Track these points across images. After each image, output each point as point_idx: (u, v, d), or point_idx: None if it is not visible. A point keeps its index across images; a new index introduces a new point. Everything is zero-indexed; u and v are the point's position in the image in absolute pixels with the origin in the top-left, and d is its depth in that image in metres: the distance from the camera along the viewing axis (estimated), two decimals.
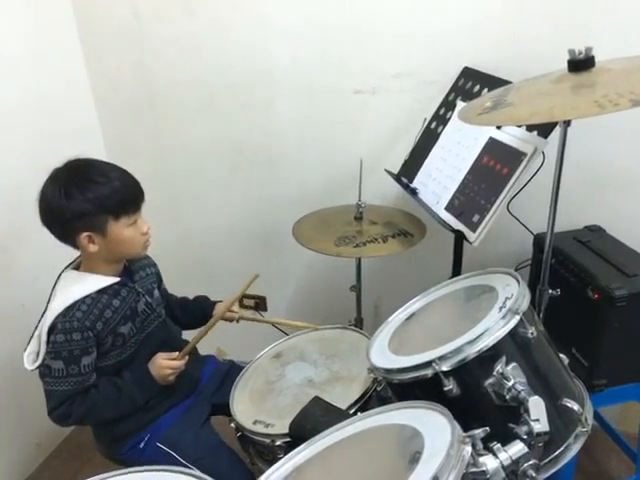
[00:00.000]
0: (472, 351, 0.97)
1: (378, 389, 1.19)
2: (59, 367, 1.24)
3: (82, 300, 1.26)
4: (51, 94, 1.89)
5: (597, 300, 1.39)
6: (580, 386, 1.14)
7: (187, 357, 1.39)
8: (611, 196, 1.74)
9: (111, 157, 2.04)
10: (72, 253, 1.32)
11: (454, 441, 0.75)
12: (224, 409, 1.39)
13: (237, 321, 1.55)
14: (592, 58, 1.06)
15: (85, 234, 1.23)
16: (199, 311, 1.57)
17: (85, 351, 1.25)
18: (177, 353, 1.38)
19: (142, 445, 1.38)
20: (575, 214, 1.70)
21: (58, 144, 1.87)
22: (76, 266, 1.35)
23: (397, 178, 1.74)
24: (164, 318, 1.45)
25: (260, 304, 2.22)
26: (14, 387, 1.84)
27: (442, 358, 0.99)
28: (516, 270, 1.29)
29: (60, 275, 1.34)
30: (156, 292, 1.45)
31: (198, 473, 0.94)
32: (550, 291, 1.33)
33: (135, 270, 1.41)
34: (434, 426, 0.84)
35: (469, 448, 0.76)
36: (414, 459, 0.77)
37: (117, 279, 1.32)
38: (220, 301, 1.57)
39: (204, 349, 1.60)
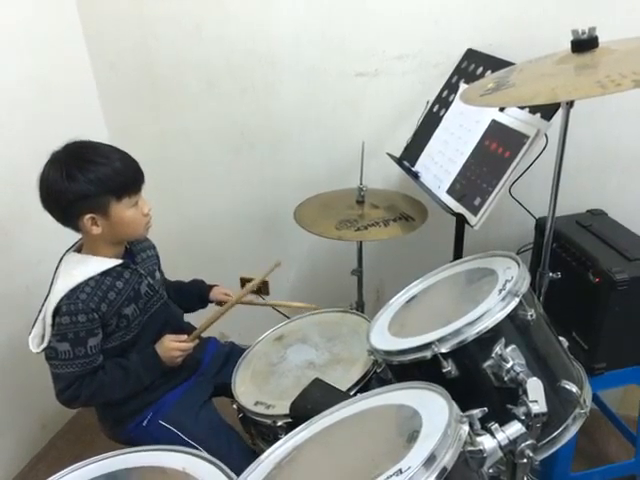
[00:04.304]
0: (471, 333, 0.98)
1: (378, 371, 1.20)
2: (65, 349, 1.25)
3: (86, 282, 1.26)
4: (52, 76, 1.89)
5: (598, 284, 1.39)
6: (579, 368, 1.15)
7: (197, 340, 1.40)
8: (614, 180, 1.73)
9: (113, 139, 2.04)
10: (75, 234, 1.32)
11: (451, 420, 0.76)
12: (226, 390, 1.41)
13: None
14: (595, 38, 1.05)
15: (88, 216, 1.24)
16: (195, 294, 1.58)
17: (91, 332, 1.26)
18: (185, 336, 1.39)
19: (145, 423, 1.40)
20: (578, 198, 1.70)
21: (60, 127, 1.87)
22: (77, 249, 1.36)
23: (399, 162, 1.74)
24: (166, 299, 1.46)
25: (262, 288, 2.23)
26: (19, 369, 1.86)
27: (441, 340, 1.00)
28: (518, 254, 1.30)
29: (62, 258, 1.34)
30: (157, 274, 1.46)
31: (200, 452, 0.96)
32: (550, 274, 1.33)
33: (136, 252, 1.42)
34: (432, 406, 0.84)
35: (466, 427, 0.77)
36: (412, 438, 0.78)
37: (120, 261, 1.33)
38: (216, 285, 1.58)
39: (206, 332, 1.61)
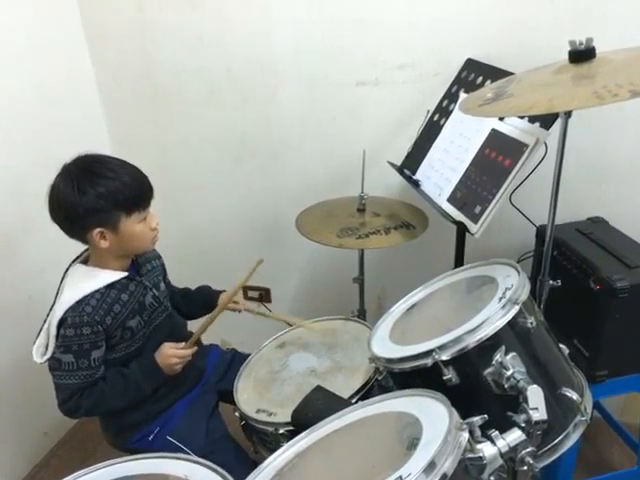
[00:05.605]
0: (472, 341, 0.98)
1: (379, 378, 1.20)
2: (69, 361, 1.25)
3: (91, 295, 1.27)
4: (55, 86, 1.90)
5: (599, 291, 1.39)
6: (580, 376, 1.15)
7: (195, 347, 1.40)
8: (614, 188, 1.74)
9: (115, 149, 2.06)
10: (78, 244, 1.33)
11: (451, 428, 0.77)
12: (228, 397, 1.41)
13: (239, 311, 1.56)
14: (593, 49, 1.06)
15: (97, 230, 1.24)
16: (202, 300, 1.58)
17: (95, 345, 1.27)
18: (184, 343, 1.39)
19: (151, 437, 1.40)
20: (578, 206, 1.71)
21: (62, 136, 1.89)
22: (84, 260, 1.36)
23: (400, 170, 1.75)
24: (170, 310, 1.46)
25: (264, 296, 2.24)
26: (21, 377, 1.86)
27: (442, 347, 1.00)
28: (519, 262, 1.30)
29: (68, 269, 1.35)
30: (162, 285, 1.47)
31: (203, 460, 0.96)
32: (550, 282, 1.33)
33: (142, 263, 1.42)
34: (432, 413, 0.85)
35: (466, 434, 0.77)
36: (412, 445, 0.78)
37: (125, 274, 1.33)
38: (224, 290, 1.58)
39: (207, 339, 1.62)
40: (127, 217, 1.26)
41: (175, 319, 1.48)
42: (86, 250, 1.37)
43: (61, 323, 1.25)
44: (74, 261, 1.37)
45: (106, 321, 1.27)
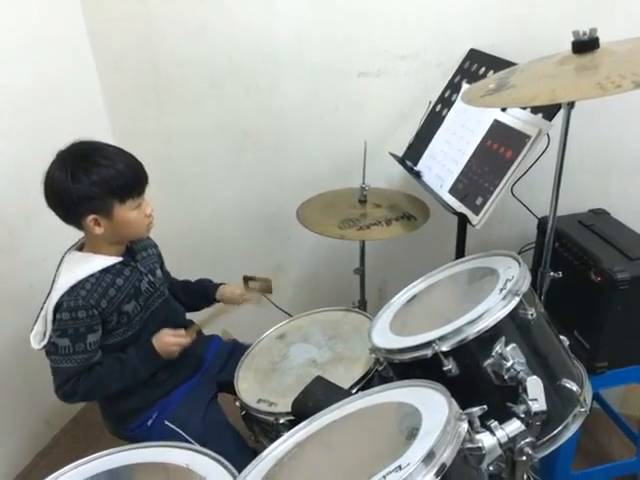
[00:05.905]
0: (472, 332, 0.99)
1: (380, 369, 1.20)
2: (65, 344, 1.27)
3: (86, 279, 1.28)
4: (56, 76, 1.90)
5: (600, 283, 1.39)
6: (580, 367, 1.15)
7: (194, 335, 1.41)
8: (617, 180, 1.73)
9: (117, 139, 2.06)
10: (79, 233, 1.34)
11: (451, 418, 0.77)
12: (229, 387, 1.42)
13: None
14: (596, 39, 1.06)
15: (91, 217, 1.25)
16: (201, 292, 1.59)
17: (90, 329, 1.28)
18: (183, 330, 1.40)
19: (150, 423, 1.41)
20: (580, 197, 1.70)
21: (64, 126, 1.88)
22: (79, 247, 1.37)
23: (401, 161, 1.74)
24: (167, 296, 1.47)
25: (265, 286, 2.24)
26: (23, 365, 1.87)
27: (442, 338, 1.00)
28: (520, 253, 1.30)
29: (64, 256, 1.36)
30: (158, 271, 1.48)
31: (203, 449, 0.97)
32: (551, 273, 1.33)
33: (137, 250, 1.43)
34: (432, 404, 0.85)
35: (465, 425, 0.78)
36: (412, 435, 0.78)
37: (120, 259, 1.34)
38: (223, 283, 1.59)
39: (209, 329, 1.62)
40: (121, 204, 1.26)
41: (172, 305, 1.49)
42: (82, 238, 1.38)
43: (57, 308, 1.27)
44: (70, 248, 1.38)
45: (101, 304, 1.28)
